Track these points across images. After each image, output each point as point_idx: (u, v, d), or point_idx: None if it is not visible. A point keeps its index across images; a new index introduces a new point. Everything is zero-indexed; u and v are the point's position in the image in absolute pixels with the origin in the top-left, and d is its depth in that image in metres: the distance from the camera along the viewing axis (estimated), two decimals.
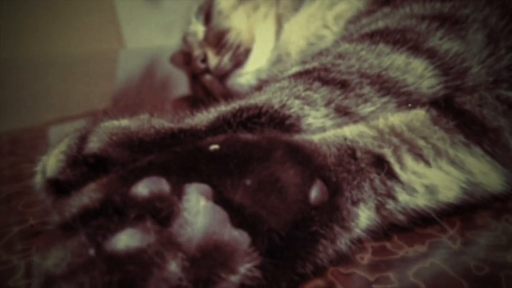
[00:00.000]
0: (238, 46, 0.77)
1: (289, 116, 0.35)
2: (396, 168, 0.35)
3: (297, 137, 0.33)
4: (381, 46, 0.41)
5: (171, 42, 1.01)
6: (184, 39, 0.89)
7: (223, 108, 0.36)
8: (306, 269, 0.29)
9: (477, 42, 0.42)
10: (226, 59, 0.77)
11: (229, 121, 0.34)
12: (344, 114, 0.37)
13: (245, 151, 0.29)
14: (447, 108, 0.39)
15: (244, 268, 0.24)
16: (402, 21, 0.44)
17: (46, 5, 2.18)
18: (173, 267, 0.22)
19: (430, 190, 0.35)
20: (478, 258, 0.32)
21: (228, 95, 0.81)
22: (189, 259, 0.23)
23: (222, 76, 0.79)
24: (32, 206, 0.45)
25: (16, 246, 0.37)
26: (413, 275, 0.30)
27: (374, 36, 0.43)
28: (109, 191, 0.24)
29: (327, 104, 0.36)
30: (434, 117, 0.38)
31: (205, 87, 0.85)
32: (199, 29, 0.85)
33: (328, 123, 0.36)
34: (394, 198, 0.34)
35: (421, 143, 0.36)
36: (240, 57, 0.78)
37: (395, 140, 0.36)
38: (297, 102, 0.36)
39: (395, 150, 0.35)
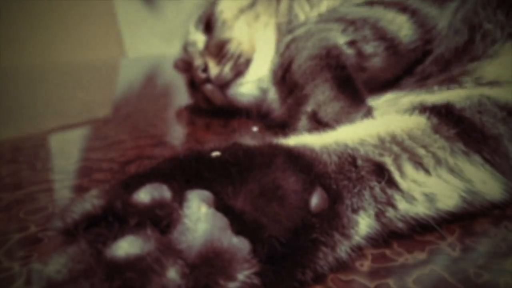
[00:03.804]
0: (239, 56, 0.78)
1: None
2: (396, 176, 0.35)
3: (298, 146, 0.34)
4: (376, 7, 0.54)
5: (172, 51, 1.02)
6: (185, 49, 0.90)
7: None
8: (306, 276, 0.29)
9: (450, 9, 0.52)
10: (227, 69, 0.78)
11: None
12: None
13: (246, 158, 0.29)
14: (448, 115, 0.39)
15: (243, 275, 0.24)
16: None
17: (47, 13, 2.19)
18: (172, 274, 0.22)
19: (430, 198, 0.35)
20: (477, 265, 0.32)
21: (229, 104, 0.81)
22: (188, 266, 0.23)
23: (223, 85, 0.80)
24: (33, 214, 0.46)
25: (17, 253, 0.37)
26: (413, 282, 0.30)
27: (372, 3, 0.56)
28: (111, 198, 0.24)
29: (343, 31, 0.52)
30: (435, 125, 0.38)
31: (206, 96, 0.85)
32: (199, 38, 0.86)
33: None
34: (394, 206, 0.35)
35: (422, 152, 0.36)
36: (241, 67, 0.78)
37: (396, 149, 0.36)
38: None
39: (396, 159, 0.35)
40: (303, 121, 0.49)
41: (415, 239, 0.36)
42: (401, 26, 0.52)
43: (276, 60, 0.59)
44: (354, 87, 0.49)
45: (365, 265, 0.33)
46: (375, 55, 0.52)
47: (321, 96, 0.48)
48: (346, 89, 0.48)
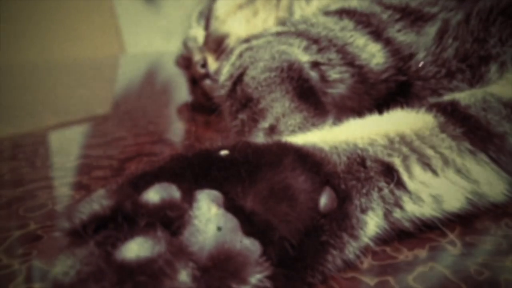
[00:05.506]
0: None
1: None
2: (405, 177, 0.35)
3: (308, 145, 0.33)
4: (346, 21, 0.50)
5: (172, 47, 1.01)
6: (185, 44, 0.89)
7: None
8: (315, 279, 0.29)
9: (430, 35, 0.48)
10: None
11: None
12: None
13: (255, 156, 0.29)
14: (453, 113, 0.39)
15: (255, 278, 0.23)
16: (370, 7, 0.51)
17: (47, 10, 2.19)
18: (184, 277, 0.21)
19: (436, 200, 0.35)
20: (477, 263, 0.32)
21: None
22: (200, 268, 0.22)
23: None
24: (33, 211, 0.46)
25: (17, 251, 0.37)
26: (413, 279, 0.30)
27: (342, 13, 0.51)
28: (119, 198, 0.24)
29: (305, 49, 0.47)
30: (441, 123, 0.38)
31: (205, 92, 0.85)
32: (200, 34, 0.86)
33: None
34: (401, 207, 0.34)
35: (430, 152, 0.36)
36: None
37: (404, 150, 0.36)
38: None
39: (405, 160, 0.35)
40: (260, 138, 0.44)
41: (416, 236, 0.36)
42: (372, 55, 0.48)
43: (225, 70, 0.52)
44: (317, 97, 0.45)
45: (365, 262, 0.33)
46: (341, 81, 0.48)
47: (281, 108, 0.43)
48: (308, 99, 0.44)
